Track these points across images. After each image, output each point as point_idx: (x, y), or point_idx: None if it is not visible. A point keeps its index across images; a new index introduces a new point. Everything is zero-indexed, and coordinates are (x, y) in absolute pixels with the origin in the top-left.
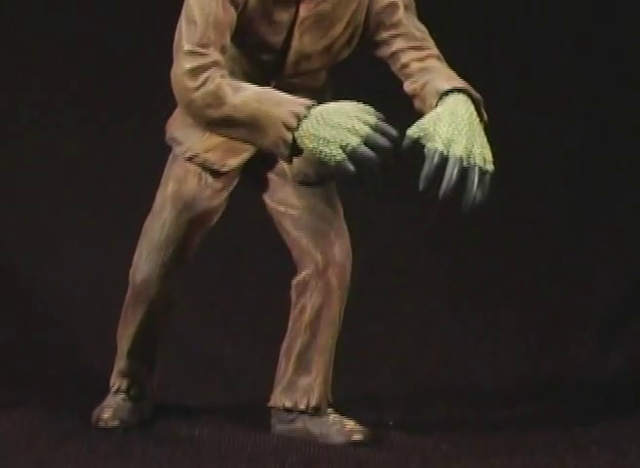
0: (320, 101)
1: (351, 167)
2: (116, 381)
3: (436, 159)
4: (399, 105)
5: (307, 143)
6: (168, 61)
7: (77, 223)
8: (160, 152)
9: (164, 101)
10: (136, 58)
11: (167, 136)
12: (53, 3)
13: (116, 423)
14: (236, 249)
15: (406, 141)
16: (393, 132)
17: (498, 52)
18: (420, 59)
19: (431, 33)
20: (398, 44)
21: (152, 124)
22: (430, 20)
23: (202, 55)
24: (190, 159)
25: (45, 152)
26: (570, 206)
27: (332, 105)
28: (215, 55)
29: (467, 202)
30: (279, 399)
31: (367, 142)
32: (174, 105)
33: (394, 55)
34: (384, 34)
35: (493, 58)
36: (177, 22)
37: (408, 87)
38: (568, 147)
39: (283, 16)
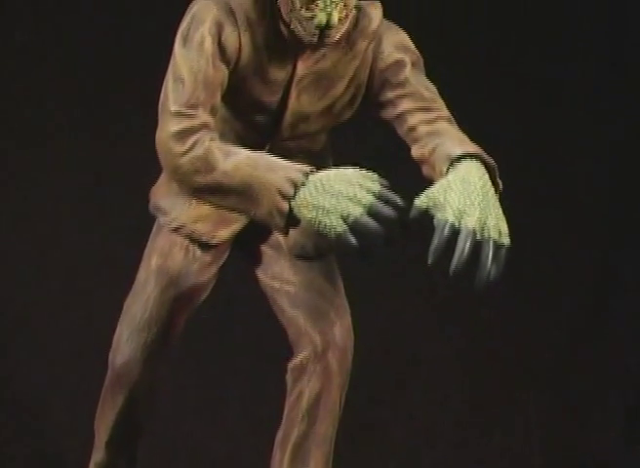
0: (319, 167)
1: (353, 239)
2: None
3: (447, 231)
4: (406, 171)
5: (305, 213)
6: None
7: (51, 297)
8: (147, 221)
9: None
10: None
11: (150, 205)
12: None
13: None
14: (226, 327)
15: (413, 212)
16: (399, 201)
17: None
18: (429, 122)
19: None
20: (405, 105)
21: (137, 195)
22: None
23: (190, 116)
24: (177, 230)
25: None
26: (590, 283)
27: (332, 172)
28: (204, 116)
29: (481, 279)
30: None
31: (370, 212)
32: (158, 171)
33: (401, 116)
34: (390, 94)
35: (504, 117)
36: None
37: (416, 152)
38: (584, 220)
39: (279, 74)
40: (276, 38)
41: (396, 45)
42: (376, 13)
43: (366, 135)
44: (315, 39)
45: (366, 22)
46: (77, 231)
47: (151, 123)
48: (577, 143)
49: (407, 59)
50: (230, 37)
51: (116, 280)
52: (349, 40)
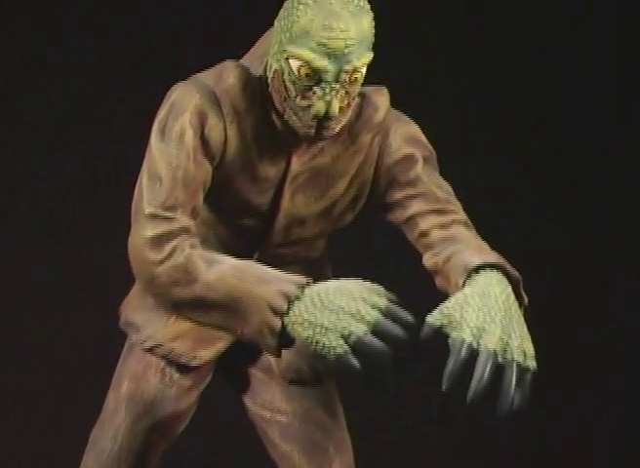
0: (316, 278)
1: (356, 362)
2: None
3: (463, 353)
4: (416, 283)
5: (300, 332)
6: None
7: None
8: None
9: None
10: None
11: (121, 321)
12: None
13: None
14: (209, 462)
15: (425, 330)
16: (409, 317)
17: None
18: (444, 226)
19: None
20: (416, 206)
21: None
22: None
23: (168, 219)
24: (152, 350)
25: None
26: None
27: (331, 284)
28: (184, 219)
29: (503, 406)
30: None
31: (376, 331)
32: (131, 282)
33: (411, 220)
34: (398, 194)
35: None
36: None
37: (428, 261)
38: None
39: (270, 171)
40: (267, 130)
41: (406, 138)
42: (382, 101)
43: (369, 238)
44: (312, 131)
45: (371, 112)
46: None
47: None
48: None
49: (418, 155)
50: (215, 129)
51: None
52: (352, 132)
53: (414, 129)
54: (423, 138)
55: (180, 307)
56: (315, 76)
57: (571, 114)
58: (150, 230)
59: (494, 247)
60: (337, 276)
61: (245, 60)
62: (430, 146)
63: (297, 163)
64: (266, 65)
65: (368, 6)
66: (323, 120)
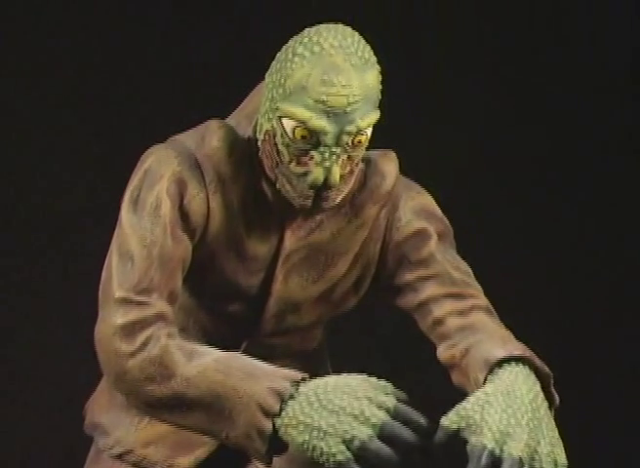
0: (314, 373)
1: None
2: None
3: (484, 461)
4: (430, 377)
5: (295, 436)
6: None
7: None
8: None
9: None
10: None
11: (86, 423)
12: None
13: None
14: None
15: (440, 434)
16: (420, 419)
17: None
18: (462, 313)
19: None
20: (429, 290)
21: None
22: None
23: (141, 305)
24: (121, 457)
25: None
26: None
27: (331, 380)
28: (159, 304)
29: None
30: None
31: (382, 435)
32: (99, 376)
33: (424, 305)
34: (409, 275)
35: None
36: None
37: (444, 353)
38: None
39: (260, 248)
40: (257, 201)
41: (417, 211)
42: (390, 167)
43: (375, 325)
44: (309, 203)
45: (377, 181)
46: None
47: None
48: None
49: (431, 230)
50: (195, 200)
51: None
52: (355, 204)
53: (426, 200)
54: (438, 211)
55: (155, 407)
56: (312, 138)
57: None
58: (121, 317)
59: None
60: (337, 370)
61: (231, 120)
62: (446, 220)
63: (291, 239)
64: (256, 125)
65: (374, 58)
66: (322, 189)
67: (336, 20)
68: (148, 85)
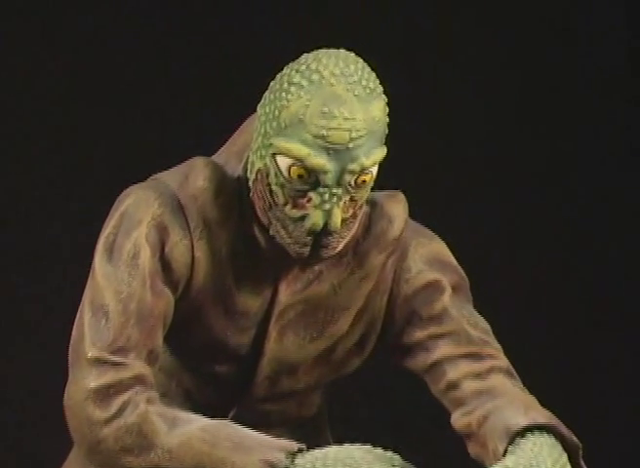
0: (312, 443)
1: None
2: None
3: None
4: (442, 447)
5: None
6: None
7: None
8: None
9: None
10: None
11: None
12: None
13: None
14: None
15: None
16: None
17: None
18: (479, 376)
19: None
20: (442, 349)
21: None
22: None
23: (117, 366)
24: None
25: None
26: None
27: (331, 451)
28: (138, 366)
29: None
30: None
31: None
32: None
33: (436, 367)
34: (420, 333)
35: None
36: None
37: (459, 420)
38: None
39: (251, 302)
40: (248, 249)
41: (429, 259)
42: (397, 210)
43: (381, 388)
44: (307, 251)
45: (383, 226)
46: None
47: None
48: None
49: (445, 282)
50: (178, 247)
51: None
52: (358, 252)
53: (439, 247)
54: (452, 260)
55: None
56: (311, 178)
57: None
58: (94, 380)
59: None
60: (338, 440)
61: (219, 157)
62: (461, 270)
63: (286, 292)
64: (247, 163)
65: (380, 88)
66: (321, 236)
67: (337, 45)
68: (149, 87)
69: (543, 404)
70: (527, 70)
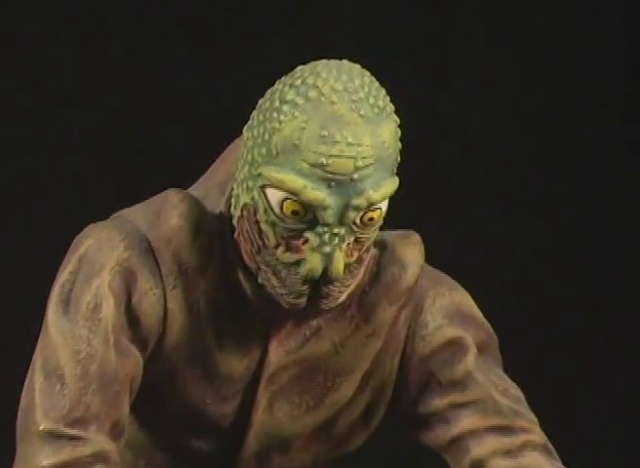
0: None
1: None
2: None
3: None
4: None
5: None
6: None
7: None
8: None
9: None
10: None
11: None
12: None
13: None
14: None
15: None
16: None
17: None
18: (510, 452)
19: None
20: (466, 421)
21: None
22: None
23: (74, 440)
24: None
25: None
26: None
27: None
28: (99, 440)
29: None
30: None
31: None
32: None
33: (458, 442)
34: (438, 401)
35: None
36: None
37: None
38: None
39: (236, 364)
40: (232, 300)
41: (449, 313)
42: (412, 254)
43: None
44: (303, 303)
45: (395, 272)
46: None
47: None
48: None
49: (468, 340)
50: (148, 298)
51: None
52: (364, 304)
53: (461, 298)
54: (477, 313)
55: None
56: (307, 215)
57: None
58: (47, 458)
59: None
60: None
61: (197, 189)
62: (488, 325)
63: (278, 352)
64: (231, 198)
65: (391, 107)
66: (320, 284)
67: (340, 55)
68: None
69: (544, 403)
70: (527, 70)
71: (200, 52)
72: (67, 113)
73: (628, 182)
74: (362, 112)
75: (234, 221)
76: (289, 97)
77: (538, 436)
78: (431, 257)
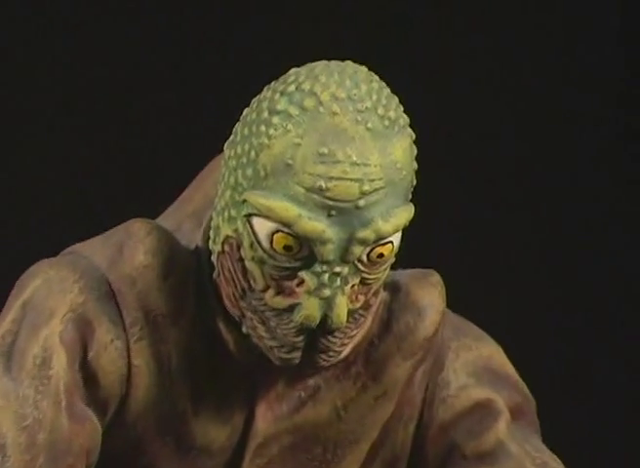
0: None
1: None
2: None
3: None
4: None
5: None
6: None
7: None
8: None
9: None
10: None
11: None
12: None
13: None
14: None
15: None
16: None
17: None
18: None
19: None
20: None
21: None
22: None
23: None
24: None
25: None
26: None
27: None
28: None
29: None
30: None
31: None
32: None
33: None
34: None
35: None
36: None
37: None
38: None
39: (215, 433)
40: (209, 354)
41: (477, 370)
42: (430, 298)
43: None
44: (297, 357)
45: (410, 321)
46: None
47: None
48: None
49: (500, 402)
50: (108, 351)
51: None
52: (373, 359)
53: (491, 351)
54: (511, 370)
55: None
56: (303, 251)
57: None
58: None
59: None
60: None
61: (168, 219)
62: (523, 385)
63: (266, 417)
64: (209, 229)
65: (404, 119)
66: (318, 335)
67: (344, 55)
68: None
69: (543, 404)
70: (526, 70)
71: (200, 52)
72: (67, 113)
73: (628, 182)
74: (369, 125)
75: (213, 258)
76: (280, 106)
77: None
78: (431, 259)
